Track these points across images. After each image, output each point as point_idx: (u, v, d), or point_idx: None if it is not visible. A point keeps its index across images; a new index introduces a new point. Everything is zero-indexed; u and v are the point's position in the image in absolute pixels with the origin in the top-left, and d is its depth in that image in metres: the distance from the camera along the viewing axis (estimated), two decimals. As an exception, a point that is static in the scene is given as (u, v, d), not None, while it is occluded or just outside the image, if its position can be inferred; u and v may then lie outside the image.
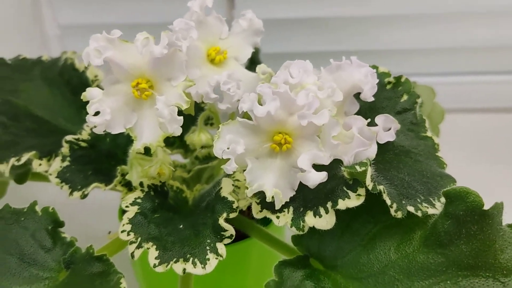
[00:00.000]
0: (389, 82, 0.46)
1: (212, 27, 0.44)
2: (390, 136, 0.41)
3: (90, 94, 0.38)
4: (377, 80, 0.41)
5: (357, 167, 0.35)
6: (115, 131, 0.39)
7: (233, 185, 0.41)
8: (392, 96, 0.46)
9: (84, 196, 0.45)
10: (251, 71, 0.45)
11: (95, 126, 0.37)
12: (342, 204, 0.37)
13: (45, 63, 0.56)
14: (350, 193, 0.37)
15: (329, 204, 0.37)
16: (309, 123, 0.35)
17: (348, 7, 0.76)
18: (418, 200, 0.37)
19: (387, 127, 0.42)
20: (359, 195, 0.37)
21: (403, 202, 0.37)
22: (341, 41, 0.79)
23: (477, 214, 0.34)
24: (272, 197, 0.37)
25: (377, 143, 0.42)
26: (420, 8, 0.77)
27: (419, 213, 0.37)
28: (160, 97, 0.37)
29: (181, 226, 0.41)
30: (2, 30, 0.73)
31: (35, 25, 0.78)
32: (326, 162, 0.37)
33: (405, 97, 0.45)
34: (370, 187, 0.36)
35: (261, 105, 0.37)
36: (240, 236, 0.47)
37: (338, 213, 0.38)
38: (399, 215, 0.36)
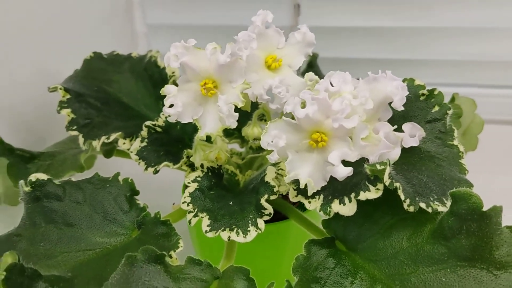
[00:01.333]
0: (422, 94, 0.52)
1: (271, 38, 0.52)
2: (414, 142, 0.47)
3: (168, 89, 0.47)
4: (407, 93, 0.47)
5: (377, 166, 0.42)
6: (184, 120, 0.48)
7: (276, 172, 0.49)
8: (424, 107, 0.51)
9: (156, 172, 0.55)
10: (306, 74, 0.52)
11: (169, 116, 0.47)
12: (363, 196, 0.44)
13: (134, 59, 0.67)
14: (371, 187, 0.44)
15: (352, 195, 0.44)
16: (340, 126, 0.43)
17: (404, 19, 0.82)
18: (431, 198, 0.44)
19: (413, 134, 0.48)
20: (377, 189, 0.43)
21: (417, 199, 0.43)
22: (396, 50, 0.84)
23: (477, 214, 0.40)
24: (305, 185, 0.45)
25: (404, 147, 0.49)
26: (472, 22, 0.80)
27: (429, 209, 0.43)
28: (222, 96, 0.45)
29: (231, 202, 0.50)
30: (99, 27, 0.86)
31: (127, 24, 0.90)
32: (353, 159, 0.44)
33: (436, 108, 0.51)
34: (387, 183, 0.42)
35: (303, 108, 0.44)
36: (281, 217, 0.55)
37: (361, 204, 0.45)
38: (411, 209, 0.43)
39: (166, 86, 0.47)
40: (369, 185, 0.44)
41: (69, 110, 0.59)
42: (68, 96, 0.59)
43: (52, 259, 0.49)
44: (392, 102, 0.48)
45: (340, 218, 0.47)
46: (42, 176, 0.52)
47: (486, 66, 0.84)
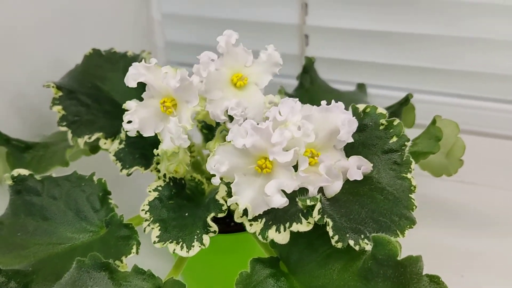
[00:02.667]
0: (382, 124, 0.52)
1: (238, 56, 0.54)
2: (358, 176, 0.48)
3: (128, 105, 0.50)
4: (355, 126, 0.48)
5: (308, 201, 0.44)
6: (146, 134, 0.52)
7: (226, 191, 0.51)
8: (382, 136, 0.51)
9: (128, 174, 0.59)
10: (266, 96, 0.53)
11: (127, 131, 0.50)
12: (295, 227, 0.45)
13: (128, 58, 0.70)
14: (303, 219, 0.45)
15: (287, 224, 0.46)
16: (274, 159, 0.44)
17: (414, 25, 0.79)
18: (362, 236, 0.45)
19: (359, 166, 0.48)
20: (309, 222, 0.45)
21: (347, 235, 0.44)
22: (404, 56, 0.82)
23: (392, 261, 0.41)
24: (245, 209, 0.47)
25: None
26: (495, 34, 0.77)
27: (356, 247, 0.44)
28: (173, 118, 0.48)
29: (187, 214, 0.53)
30: (115, 18, 0.89)
31: (142, 12, 0.93)
32: (289, 190, 0.45)
33: (394, 139, 0.51)
34: (316, 219, 0.44)
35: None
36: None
37: (306, 231, 0.47)
38: (339, 246, 0.44)
39: (127, 102, 0.50)
40: (302, 217, 0.45)
41: (60, 107, 0.63)
42: (60, 93, 0.64)
43: (25, 250, 0.54)
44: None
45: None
46: (24, 172, 0.57)
47: (495, 78, 0.80)
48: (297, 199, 0.45)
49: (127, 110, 0.50)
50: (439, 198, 0.81)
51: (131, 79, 0.48)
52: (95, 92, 0.67)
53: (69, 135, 0.62)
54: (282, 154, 0.44)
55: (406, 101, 0.71)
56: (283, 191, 0.46)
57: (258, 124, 0.46)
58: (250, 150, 0.47)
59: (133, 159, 0.60)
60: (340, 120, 0.47)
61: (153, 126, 0.51)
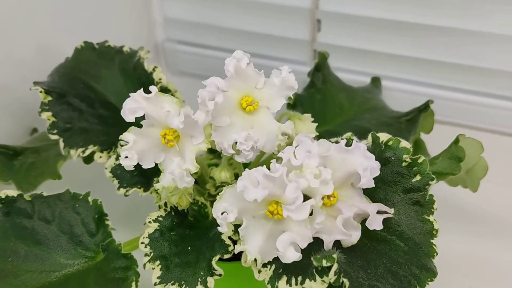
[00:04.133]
0: (405, 160, 0.47)
1: (248, 78, 0.48)
2: (378, 226, 0.44)
3: (126, 137, 0.45)
4: (377, 174, 0.43)
5: (324, 261, 0.40)
6: (145, 166, 0.47)
7: (232, 230, 0.47)
8: (405, 174, 0.47)
9: (126, 195, 0.55)
10: (278, 127, 0.48)
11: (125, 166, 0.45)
12: (308, 284, 0.42)
13: (125, 55, 0.63)
14: (317, 277, 0.42)
15: (299, 279, 0.43)
16: (288, 216, 0.40)
17: (435, 16, 0.72)
18: (381, 296, 0.41)
19: (380, 211, 0.44)
20: (323, 281, 0.41)
21: (365, 295, 0.41)
22: (421, 49, 0.76)
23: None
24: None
25: None
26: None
27: (374, 310, 0.41)
28: (175, 158, 0.43)
29: (189, 248, 0.49)
30: (118, 14, 0.82)
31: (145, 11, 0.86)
32: (303, 245, 0.42)
33: (417, 178, 0.47)
34: (332, 281, 0.40)
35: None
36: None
37: None
38: (355, 308, 0.41)
39: (124, 134, 0.45)
40: (316, 274, 0.42)
41: (49, 113, 0.58)
42: (50, 98, 0.58)
43: (17, 278, 0.51)
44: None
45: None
46: (12, 193, 0.53)
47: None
48: (311, 258, 0.41)
49: (124, 144, 0.45)
50: (450, 202, 0.78)
51: (128, 113, 0.43)
52: (88, 93, 0.61)
53: (61, 145, 0.58)
54: (297, 211, 0.40)
55: (426, 107, 0.66)
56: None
57: (269, 170, 0.41)
58: (261, 195, 0.43)
59: (131, 177, 0.55)
60: (362, 167, 0.43)
61: (153, 157, 0.47)
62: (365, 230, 0.46)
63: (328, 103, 0.68)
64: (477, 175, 0.60)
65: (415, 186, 0.47)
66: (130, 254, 0.51)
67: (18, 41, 0.68)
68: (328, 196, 0.44)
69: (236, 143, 0.46)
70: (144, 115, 0.46)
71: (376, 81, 0.76)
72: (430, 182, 0.47)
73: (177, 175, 0.43)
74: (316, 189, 0.41)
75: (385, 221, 0.46)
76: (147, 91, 0.45)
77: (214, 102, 0.44)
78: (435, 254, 0.45)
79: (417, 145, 0.69)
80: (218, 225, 0.43)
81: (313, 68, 0.69)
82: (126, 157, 0.44)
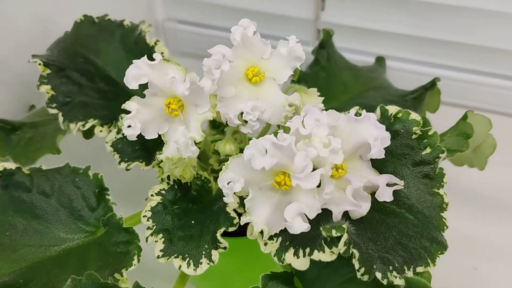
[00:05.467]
0: (415, 132, 0.46)
1: (254, 48, 0.47)
2: (388, 197, 0.43)
3: (129, 106, 0.44)
4: (388, 143, 0.42)
5: (333, 231, 0.39)
6: (148, 136, 0.46)
7: (238, 203, 0.46)
8: (415, 146, 0.46)
9: (127, 169, 0.53)
10: (286, 98, 0.46)
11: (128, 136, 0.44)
12: (316, 255, 0.41)
13: (126, 28, 0.62)
14: (326, 248, 0.41)
15: (307, 250, 0.42)
16: (297, 185, 0.39)
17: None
18: (391, 267, 0.40)
19: (390, 184, 0.43)
20: (332, 252, 0.40)
21: (374, 266, 0.40)
22: (427, 27, 0.75)
23: (426, 307, 0.37)
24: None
25: None
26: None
27: (384, 281, 0.40)
28: (180, 127, 0.42)
29: (193, 221, 0.48)
30: None
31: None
32: (312, 215, 0.40)
33: (427, 150, 0.46)
34: (341, 251, 0.39)
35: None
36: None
37: None
38: (365, 278, 0.40)
39: (127, 102, 0.44)
40: (325, 245, 0.41)
41: (48, 87, 0.56)
42: (49, 71, 0.57)
43: (15, 253, 0.50)
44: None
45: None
46: (10, 166, 0.51)
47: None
48: (320, 228, 0.40)
49: (128, 112, 0.44)
50: (455, 182, 0.77)
51: (131, 80, 0.42)
52: (88, 67, 0.60)
53: (60, 119, 0.56)
54: (307, 180, 0.39)
55: (432, 85, 0.65)
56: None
57: (277, 131, 0.40)
58: (268, 165, 0.41)
59: (133, 151, 0.54)
60: (372, 137, 0.41)
61: (156, 128, 0.45)
62: (373, 203, 0.45)
63: (332, 81, 0.67)
64: (484, 152, 0.59)
65: (425, 159, 0.46)
66: (131, 228, 0.49)
67: (16, 15, 0.67)
68: (337, 168, 0.43)
69: (242, 113, 0.44)
70: (147, 86, 0.44)
71: (380, 60, 0.75)
72: (440, 155, 0.46)
73: (182, 144, 0.42)
74: (325, 158, 0.40)
75: (394, 194, 0.45)
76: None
77: (220, 70, 0.43)
78: (445, 227, 0.44)
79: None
80: (224, 196, 0.41)
81: (317, 46, 0.67)
82: (129, 126, 0.43)
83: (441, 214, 0.45)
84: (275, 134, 0.41)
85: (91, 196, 0.52)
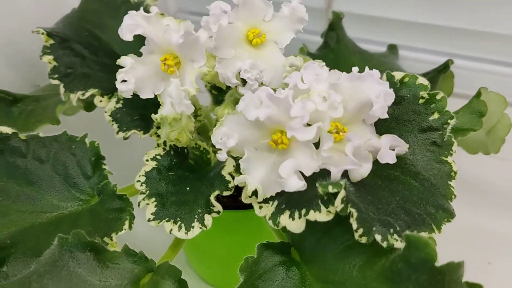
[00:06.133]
0: (422, 97, 0.44)
1: (256, 8, 0.45)
2: (391, 159, 0.40)
3: (123, 61, 0.42)
4: (392, 100, 0.40)
5: (330, 187, 0.37)
6: (144, 96, 0.44)
7: (234, 166, 0.44)
8: (422, 112, 0.44)
9: (125, 138, 0.52)
10: (287, 58, 0.45)
11: (122, 92, 0.43)
12: (312, 216, 0.38)
13: (131, 4, 0.61)
14: (322, 207, 0.38)
15: (303, 211, 0.39)
16: (293, 136, 0.37)
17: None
18: (391, 230, 0.38)
19: (393, 147, 0.41)
20: (329, 211, 0.38)
21: (374, 228, 0.37)
22: (441, 16, 0.73)
23: (428, 267, 0.34)
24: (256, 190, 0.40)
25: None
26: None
27: (384, 244, 0.37)
28: (174, 79, 0.40)
29: (188, 188, 0.46)
30: None
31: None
32: (308, 172, 0.38)
33: (435, 116, 0.43)
34: (338, 209, 0.37)
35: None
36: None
37: None
38: (363, 240, 0.37)
39: (122, 57, 0.42)
40: (321, 205, 0.38)
41: (51, 57, 0.56)
42: (52, 41, 0.56)
43: (6, 218, 0.48)
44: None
45: (300, 223, 0.42)
46: (6, 130, 0.51)
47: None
48: (317, 184, 0.37)
49: (121, 67, 0.42)
50: (470, 173, 0.74)
51: (126, 31, 0.41)
52: (93, 41, 0.59)
53: (61, 90, 0.55)
54: (303, 131, 0.37)
55: (445, 67, 0.62)
56: (301, 173, 0.39)
57: (275, 91, 0.38)
58: (264, 122, 0.40)
59: (131, 121, 0.53)
60: (374, 93, 0.39)
61: (152, 87, 0.44)
62: (377, 170, 0.43)
63: (341, 63, 0.65)
64: (499, 134, 0.56)
65: (432, 125, 0.43)
66: (125, 195, 0.48)
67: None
68: (338, 131, 0.41)
69: (241, 72, 0.43)
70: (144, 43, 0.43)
71: (392, 48, 0.73)
72: (449, 121, 0.43)
73: (175, 96, 0.40)
74: (324, 112, 0.38)
75: (399, 160, 0.43)
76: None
77: (218, 24, 0.41)
78: (453, 196, 0.42)
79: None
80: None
81: (327, 28, 0.66)
82: (124, 81, 0.42)
83: (449, 182, 0.42)
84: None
85: (87, 164, 0.51)
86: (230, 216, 0.50)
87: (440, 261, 0.34)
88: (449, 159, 0.43)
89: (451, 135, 0.43)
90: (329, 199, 0.38)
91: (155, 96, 0.53)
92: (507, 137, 0.63)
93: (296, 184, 0.38)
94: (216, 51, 0.44)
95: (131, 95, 0.51)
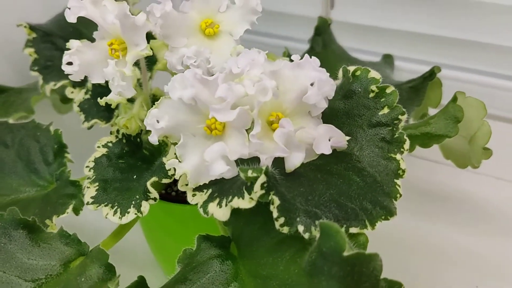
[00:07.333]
0: (372, 91, 0.42)
1: (211, 0, 0.45)
2: (326, 150, 0.38)
3: (71, 44, 0.43)
4: (328, 88, 0.38)
5: (250, 172, 0.35)
6: (94, 80, 0.45)
7: (175, 153, 0.43)
8: (371, 106, 0.42)
9: (89, 127, 0.53)
10: (234, 47, 0.45)
11: (69, 74, 0.43)
12: (236, 203, 0.37)
13: (117, 3, 0.63)
14: (246, 194, 0.37)
15: (228, 199, 0.38)
16: (213, 117, 0.36)
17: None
18: (316, 222, 0.36)
19: (330, 138, 0.39)
20: (251, 198, 0.36)
21: (298, 219, 0.36)
22: (443, 26, 0.70)
23: (337, 256, 0.31)
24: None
25: (337, 151, 0.41)
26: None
27: (306, 235, 0.35)
28: (111, 61, 0.40)
29: (135, 176, 0.46)
30: None
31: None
32: (233, 157, 0.37)
33: (385, 110, 0.41)
34: (257, 195, 0.35)
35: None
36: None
37: (261, 208, 0.38)
38: (285, 230, 0.35)
39: (71, 40, 0.43)
40: (245, 191, 0.37)
41: (32, 50, 0.58)
42: (34, 35, 0.58)
43: (-35, 198, 0.50)
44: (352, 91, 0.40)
45: (241, 217, 0.41)
46: (-25, 115, 0.52)
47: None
48: (237, 169, 0.36)
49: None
50: (463, 191, 0.70)
51: (70, 13, 0.41)
52: (76, 37, 0.60)
53: (40, 81, 0.57)
54: (224, 112, 0.36)
55: (431, 74, 0.59)
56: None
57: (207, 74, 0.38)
58: (198, 106, 0.39)
59: (98, 111, 0.53)
60: (310, 79, 0.38)
61: (102, 72, 0.44)
62: (321, 164, 0.41)
63: (326, 69, 0.64)
64: (478, 142, 0.52)
65: (381, 120, 0.41)
66: (78, 182, 0.48)
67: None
68: (278, 120, 0.39)
69: (183, 59, 0.43)
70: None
71: (388, 58, 0.71)
72: (399, 117, 0.41)
73: (110, 77, 0.40)
74: (253, 96, 0.37)
75: (345, 155, 0.41)
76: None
77: (162, 10, 0.42)
78: (397, 195, 0.39)
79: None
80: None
81: (313, 33, 0.65)
82: (69, 63, 0.42)
83: (395, 180, 0.40)
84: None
85: (49, 151, 0.51)
86: (180, 209, 0.49)
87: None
88: (398, 156, 0.40)
89: (403, 132, 0.41)
90: (253, 185, 0.37)
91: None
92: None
93: (221, 169, 0.37)
94: (168, 40, 0.44)
95: (102, 85, 0.51)
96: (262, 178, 0.35)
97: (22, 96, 0.61)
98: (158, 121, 0.39)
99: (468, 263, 0.62)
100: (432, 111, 0.63)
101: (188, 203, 0.44)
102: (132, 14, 0.41)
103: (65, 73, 0.43)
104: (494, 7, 0.65)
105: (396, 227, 0.41)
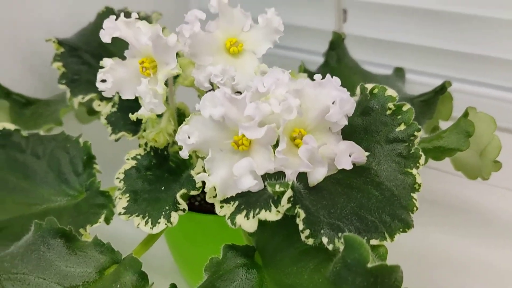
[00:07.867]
0: (389, 108, 0.44)
1: (235, 19, 0.48)
2: (347, 165, 0.41)
3: (105, 62, 0.46)
4: (348, 107, 0.41)
5: (277, 186, 0.37)
6: (125, 96, 0.47)
7: (202, 166, 0.46)
8: (388, 122, 0.44)
9: (116, 140, 0.55)
10: (258, 66, 0.47)
11: (103, 91, 0.46)
12: (263, 215, 0.39)
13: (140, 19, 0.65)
14: (272, 207, 0.39)
15: (256, 211, 0.40)
16: (243, 134, 0.38)
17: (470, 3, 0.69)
18: (339, 234, 0.38)
19: (350, 153, 0.41)
20: (278, 211, 0.39)
21: (322, 231, 0.38)
22: (456, 40, 0.72)
23: (361, 268, 0.34)
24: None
25: (356, 165, 0.43)
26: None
27: (330, 247, 0.37)
28: (144, 79, 0.43)
29: (163, 187, 0.48)
30: None
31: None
32: (260, 172, 0.39)
33: (402, 127, 0.43)
34: (284, 208, 0.38)
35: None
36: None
37: (286, 220, 0.41)
38: (310, 242, 0.38)
39: (104, 59, 0.46)
40: (271, 204, 0.39)
41: (60, 63, 0.60)
42: (62, 49, 0.61)
43: (1, 206, 0.52)
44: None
45: (266, 228, 0.43)
46: (9, 126, 0.55)
47: None
48: (265, 183, 0.39)
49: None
50: (472, 202, 0.72)
51: (105, 34, 0.44)
52: (101, 51, 0.64)
53: (67, 94, 0.60)
54: (253, 130, 0.38)
55: (442, 89, 0.62)
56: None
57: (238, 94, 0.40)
58: (226, 123, 0.41)
59: (124, 124, 0.56)
60: (331, 98, 0.40)
61: (132, 88, 0.47)
62: (342, 178, 0.43)
63: (342, 84, 0.66)
64: (489, 155, 0.54)
65: (398, 136, 0.43)
66: (108, 192, 0.50)
67: (48, 8, 0.73)
68: (301, 136, 0.42)
69: (211, 77, 0.45)
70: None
71: (399, 71, 0.73)
72: (415, 133, 0.43)
73: (143, 94, 0.43)
74: (278, 114, 0.39)
75: (364, 170, 0.43)
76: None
77: (191, 31, 0.44)
78: (414, 208, 0.41)
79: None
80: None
81: (327, 48, 0.67)
82: (103, 80, 0.45)
83: (412, 194, 0.42)
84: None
85: (79, 162, 0.54)
86: (209, 220, 0.52)
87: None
88: (414, 171, 0.42)
89: (418, 148, 0.43)
90: (279, 199, 0.39)
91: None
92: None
93: (249, 183, 0.39)
94: (195, 58, 0.47)
95: (129, 99, 0.54)
96: (289, 193, 0.37)
97: (50, 108, 0.64)
98: (189, 137, 0.41)
99: (478, 272, 0.64)
100: (442, 124, 0.65)
101: (211, 213, 0.46)
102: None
103: (99, 90, 0.46)
104: (505, 22, 0.67)
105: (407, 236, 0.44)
